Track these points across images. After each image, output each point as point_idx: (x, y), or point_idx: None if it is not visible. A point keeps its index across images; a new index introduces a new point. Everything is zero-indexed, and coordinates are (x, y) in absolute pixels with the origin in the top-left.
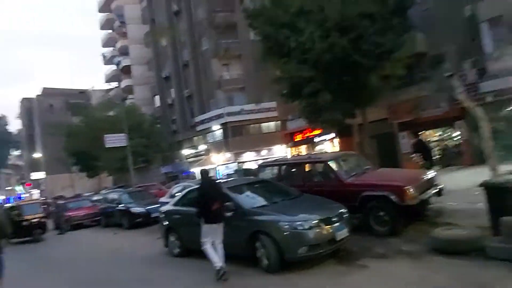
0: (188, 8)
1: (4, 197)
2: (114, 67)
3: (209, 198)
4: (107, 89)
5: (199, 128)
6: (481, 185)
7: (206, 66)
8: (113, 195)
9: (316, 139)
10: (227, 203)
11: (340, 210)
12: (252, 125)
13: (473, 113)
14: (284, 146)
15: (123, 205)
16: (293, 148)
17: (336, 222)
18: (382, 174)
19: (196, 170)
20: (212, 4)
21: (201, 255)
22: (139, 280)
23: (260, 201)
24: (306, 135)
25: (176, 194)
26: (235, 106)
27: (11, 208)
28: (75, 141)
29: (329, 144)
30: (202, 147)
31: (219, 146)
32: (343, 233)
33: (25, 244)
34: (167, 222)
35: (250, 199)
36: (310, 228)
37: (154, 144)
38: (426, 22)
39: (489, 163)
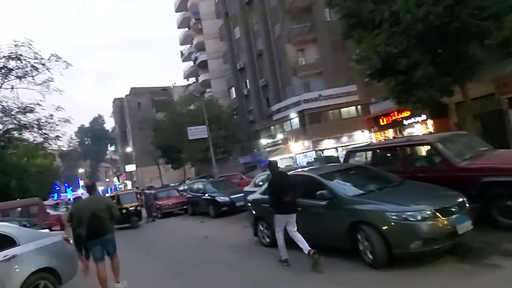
0: None
1: (103, 187)
2: (191, 63)
3: (282, 189)
4: (187, 85)
5: (275, 117)
6: None
7: (280, 53)
8: (198, 185)
9: (406, 122)
10: (321, 191)
11: (460, 199)
12: (331, 111)
13: None
14: (367, 131)
15: (208, 194)
16: (378, 133)
17: (456, 213)
18: (505, 156)
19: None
20: None
21: (294, 245)
22: (231, 266)
23: (358, 188)
24: (392, 118)
25: (260, 183)
26: (312, 92)
27: (111, 197)
28: (161, 135)
29: (420, 127)
30: (279, 136)
31: (297, 135)
32: (466, 226)
33: (124, 230)
34: (255, 211)
35: (348, 187)
36: (424, 219)
37: (232, 135)
38: None
39: None
